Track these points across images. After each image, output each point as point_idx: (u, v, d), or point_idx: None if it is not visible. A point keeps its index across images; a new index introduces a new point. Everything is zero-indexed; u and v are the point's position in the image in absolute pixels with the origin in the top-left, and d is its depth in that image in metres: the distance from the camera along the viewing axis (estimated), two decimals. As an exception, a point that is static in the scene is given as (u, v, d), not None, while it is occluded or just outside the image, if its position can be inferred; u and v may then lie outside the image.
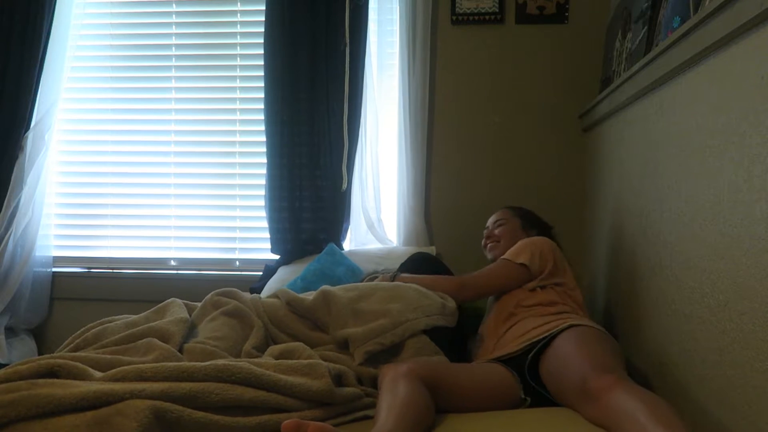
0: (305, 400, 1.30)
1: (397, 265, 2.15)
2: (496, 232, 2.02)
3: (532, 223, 2.05)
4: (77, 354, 1.36)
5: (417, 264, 2.08)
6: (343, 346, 1.56)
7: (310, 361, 1.36)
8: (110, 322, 1.67)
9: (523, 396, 1.45)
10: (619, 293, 2.00)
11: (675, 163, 1.52)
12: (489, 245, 2.02)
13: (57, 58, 2.76)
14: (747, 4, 1.09)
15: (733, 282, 1.19)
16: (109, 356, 1.37)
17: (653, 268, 1.65)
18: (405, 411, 1.19)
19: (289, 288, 2.32)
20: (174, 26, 2.92)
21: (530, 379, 1.47)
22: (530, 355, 1.48)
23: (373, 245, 2.71)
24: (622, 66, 2.08)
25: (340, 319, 1.59)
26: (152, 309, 1.74)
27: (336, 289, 1.71)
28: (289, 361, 1.37)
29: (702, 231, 1.34)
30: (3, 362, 2.54)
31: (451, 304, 1.70)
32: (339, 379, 1.42)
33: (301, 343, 1.53)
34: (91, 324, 1.66)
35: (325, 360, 1.46)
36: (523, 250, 1.79)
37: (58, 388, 1.14)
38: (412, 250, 2.57)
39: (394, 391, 1.25)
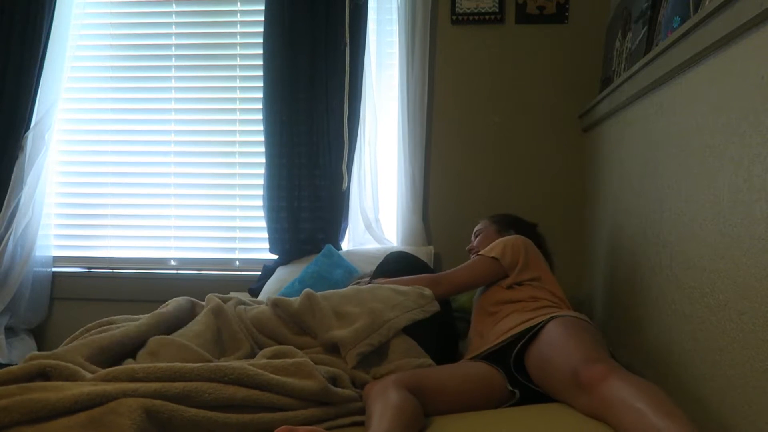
0: (300, 399, 1.30)
1: (385, 267, 2.14)
2: (475, 243, 2.03)
3: (508, 226, 2.04)
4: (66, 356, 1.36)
5: (393, 264, 2.08)
6: (331, 349, 1.56)
7: (296, 360, 1.36)
8: (109, 323, 1.66)
9: (510, 388, 1.45)
10: (619, 293, 2.00)
11: (675, 163, 1.52)
12: (472, 257, 2.01)
13: (57, 58, 2.76)
14: (747, 4, 1.09)
15: (733, 282, 1.19)
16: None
17: (653, 268, 1.65)
18: (398, 413, 1.19)
19: (287, 291, 2.32)
20: (174, 26, 2.92)
21: (516, 373, 1.47)
22: (516, 348, 1.48)
23: (371, 245, 2.71)
24: (622, 66, 2.08)
25: (324, 323, 1.59)
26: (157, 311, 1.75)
27: (319, 295, 1.71)
28: (277, 361, 1.37)
29: (702, 231, 1.34)
30: (3, 362, 2.54)
31: (428, 292, 1.71)
32: (334, 382, 1.42)
33: (291, 346, 1.53)
34: (90, 324, 1.66)
35: (318, 363, 1.46)
36: (495, 246, 1.81)
37: (51, 392, 1.14)
38: (410, 250, 2.57)
39: (385, 398, 1.25)
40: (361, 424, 1.34)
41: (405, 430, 1.17)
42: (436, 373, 1.43)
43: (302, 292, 1.68)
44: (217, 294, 1.78)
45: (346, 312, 1.61)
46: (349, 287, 1.78)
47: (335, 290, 1.76)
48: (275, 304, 1.66)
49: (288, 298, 1.70)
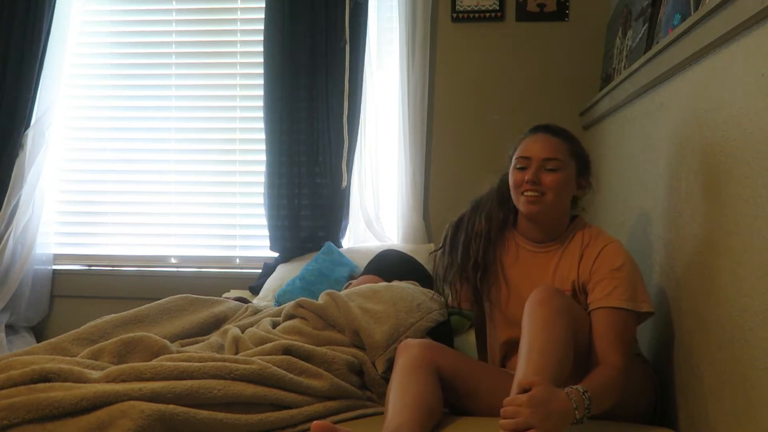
0: (308, 395, 1.31)
1: (377, 264, 2.12)
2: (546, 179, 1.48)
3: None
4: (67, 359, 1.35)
5: (385, 261, 2.08)
6: (357, 340, 1.56)
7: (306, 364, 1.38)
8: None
9: None
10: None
11: (675, 161, 1.52)
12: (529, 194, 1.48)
13: (57, 55, 2.75)
14: (747, 2, 1.09)
15: (733, 279, 1.19)
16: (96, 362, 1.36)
17: (653, 265, 1.65)
18: (415, 406, 1.21)
19: (287, 288, 2.32)
20: (174, 23, 2.92)
21: None
22: None
23: (372, 243, 2.71)
24: (623, 64, 2.08)
25: (350, 315, 1.58)
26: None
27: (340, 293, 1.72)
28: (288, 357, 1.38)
29: (702, 228, 1.34)
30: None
31: (439, 297, 1.73)
32: (361, 369, 1.46)
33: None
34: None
35: (345, 354, 1.49)
36: None
37: (58, 390, 1.13)
38: (410, 247, 2.57)
39: (406, 387, 1.26)
40: (369, 416, 1.37)
41: (420, 424, 1.18)
42: (476, 374, 1.40)
43: (322, 293, 1.69)
44: (234, 299, 1.79)
45: (368, 308, 1.61)
46: (364, 286, 1.78)
47: (353, 289, 1.76)
48: (299, 305, 1.66)
49: (310, 299, 1.70)
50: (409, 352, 1.35)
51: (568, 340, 1.23)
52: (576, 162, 1.52)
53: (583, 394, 1.12)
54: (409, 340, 1.43)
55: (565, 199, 1.52)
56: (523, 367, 1.19)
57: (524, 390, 1.08)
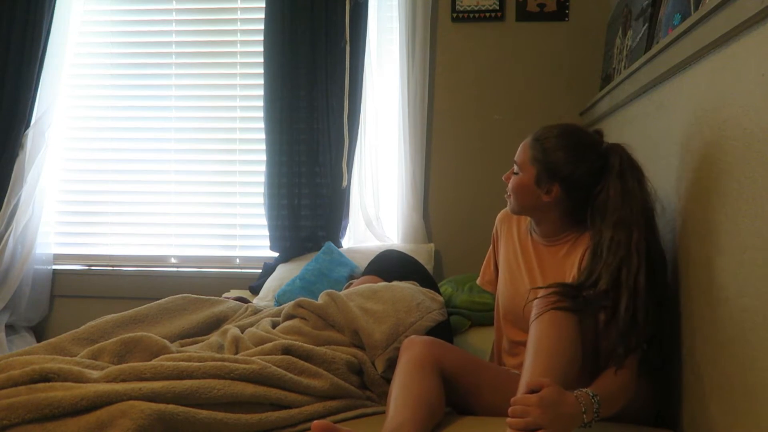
0: (308, 395, 1.32)
1: (376, 266, 2.12)
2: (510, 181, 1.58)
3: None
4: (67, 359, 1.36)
5: (386, 262, 2.08)
6: (357, 340, 1.56)
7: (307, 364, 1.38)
8: None
9: None
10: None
11: (676, 161, 1.52)
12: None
13: (57, 55, 2.76)
14: (747, 2, 1.09)
15: (733, 278, 1.19)
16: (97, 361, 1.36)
17: (653, 265, 1.65)
18: (417, 405, 1.22)
19: (287, 288, 2.32)
20: (174, 23, 2.92)
21: None
22: None
23: (372, 243, 2.71)
24: (623, 63, 2.08)
25: (349, 315, 1.58)
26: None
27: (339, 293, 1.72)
28: (287, 357, 1.38)
29: (702, 227, 1.34)
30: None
31: (440, 298, 1.77)
32: (360, 369, 1.46)
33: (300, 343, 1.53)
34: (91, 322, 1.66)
35: (345, 354, 1.49)
36: None
37: (58, 390, 1.13)
38: (411, 247, 2.57)
39: (408, 385, 1.26)
40: (369, 415, 1.37)
41: (422, 422, 1.18)
42: (477, 373, 1.40)
43: (322, 293, 1.69)
44: (235, 298, 1.80)
45: (368, 308, 1.61)
46: (363, 286, 1.78)
47: (352, 289, 1.77)
48: (299, 305, 1.66)
49: (310, 299, 1.70)
50: (413, 349, 1.35)
51: (576, 340, 1.23)
52: (537, 167, 1.49)
53: (593, 398, 1.12)
54: (413, 336, 1.43)
55: (526, 201, 1.51)
56: (530, 367, 1.19)
57: (533, 390, 1.08)
